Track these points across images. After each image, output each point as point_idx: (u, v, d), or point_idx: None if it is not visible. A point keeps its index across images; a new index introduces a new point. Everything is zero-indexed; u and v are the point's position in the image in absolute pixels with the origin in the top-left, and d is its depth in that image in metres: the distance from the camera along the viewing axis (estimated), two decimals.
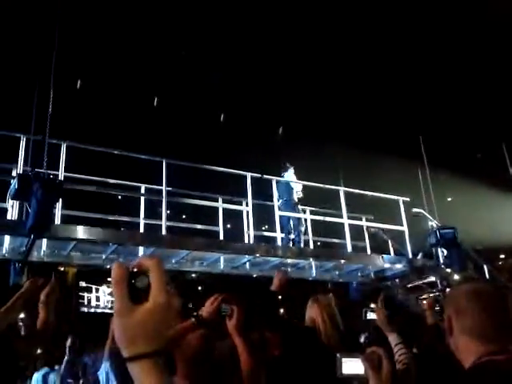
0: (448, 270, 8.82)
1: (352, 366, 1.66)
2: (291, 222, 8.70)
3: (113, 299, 0.89)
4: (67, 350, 6.16)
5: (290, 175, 9.14)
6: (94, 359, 6.47)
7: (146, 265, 0.87)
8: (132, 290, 0.85)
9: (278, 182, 8.76)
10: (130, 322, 0.84)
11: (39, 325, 2.97)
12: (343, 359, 1.68)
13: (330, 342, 3.24)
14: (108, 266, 7.16)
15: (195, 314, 2.28)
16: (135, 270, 0.87)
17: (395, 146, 12.64)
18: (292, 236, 8.62)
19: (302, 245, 8.51)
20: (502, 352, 1.38)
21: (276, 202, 8.30)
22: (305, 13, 10.37)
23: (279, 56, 11.22)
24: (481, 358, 1.38)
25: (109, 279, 0.89)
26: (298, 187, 9.05)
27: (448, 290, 7.73)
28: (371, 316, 3.18)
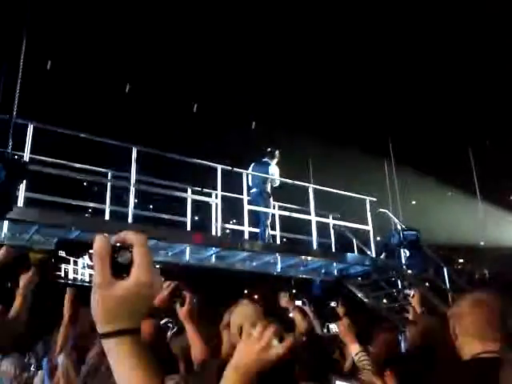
0: (409, 271, 9.03)
1: None
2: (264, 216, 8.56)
3: (92, 272, 0.88)
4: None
5: (273, 164, 8.88)
6: (46, 346, 6.22)
7: (129, 240, 0.86)
8: (114, 264, 0.84)
9: (255, 167, 8.65)
10: (110, 296, 0.82)
11: (12, 313, 2.87)
12: (337, 382, 1.72)
13: None
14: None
15: None
16: (118, 244, 0.86)
17: (365, 148, 12.84)
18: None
19: (266, 240, 8.50)
20: (494, 351, 1.68)
21: (246, 196, 8.24)
22: (279, 10, 10.38)
23: (254, 49, 11.21)
24: (477, 355, 1.69)
25: (90, 251, 0.87)
26: (276, 176, 8.81)
27: (407, 290, 7.93)
28: (333, 328, 3.24)
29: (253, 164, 8.90)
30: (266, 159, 8.94)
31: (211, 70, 11.49)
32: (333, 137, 12.54)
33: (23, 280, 2.86)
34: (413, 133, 13.28)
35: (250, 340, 1.11)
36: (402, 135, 12.81)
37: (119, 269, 0.84)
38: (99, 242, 0.84)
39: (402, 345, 4.70)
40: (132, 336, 0.82)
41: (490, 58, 11.11)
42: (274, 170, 8.87)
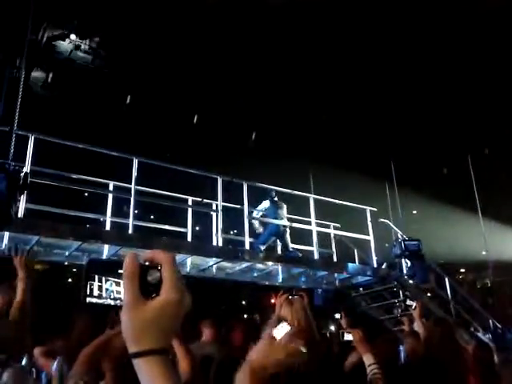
0: (411, 281, 8.99)
1: None
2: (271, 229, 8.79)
3: (117, 290, 0.89)
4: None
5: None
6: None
7: (158, 259, 0.86)
8: (143, 284, 0.84)
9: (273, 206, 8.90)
10: (140, 316, 0.82)
11: (15, 304, 2.86)
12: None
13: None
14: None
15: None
16: (147, 263, 0.86)
17: (365, 159, 12.86)
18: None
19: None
20: None
21: (246, 208, 8.26)
22: (277, 26, 10.44)
23: (256, 61, 11.27)
24: None
25: (119, 271, 0.88)
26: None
27: (409, 301, 7.90)
28: (348, 337, 3.26)
29: (268, 202, 9.01)
30: (274, 198, 9.11)
31: (212, 81, 11.54)
32: (333, 147, 12.57)
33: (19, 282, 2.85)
34: (412, 143, 13.30)
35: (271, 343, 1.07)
36: (401, 146, 12.83)
37: (148, 288, 0.84)
38: (128, 261, 0.84)
39: (402, 355, 4.68)
40: (161, 356, 0.82)
41: (489, 67, 11.17)
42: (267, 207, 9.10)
